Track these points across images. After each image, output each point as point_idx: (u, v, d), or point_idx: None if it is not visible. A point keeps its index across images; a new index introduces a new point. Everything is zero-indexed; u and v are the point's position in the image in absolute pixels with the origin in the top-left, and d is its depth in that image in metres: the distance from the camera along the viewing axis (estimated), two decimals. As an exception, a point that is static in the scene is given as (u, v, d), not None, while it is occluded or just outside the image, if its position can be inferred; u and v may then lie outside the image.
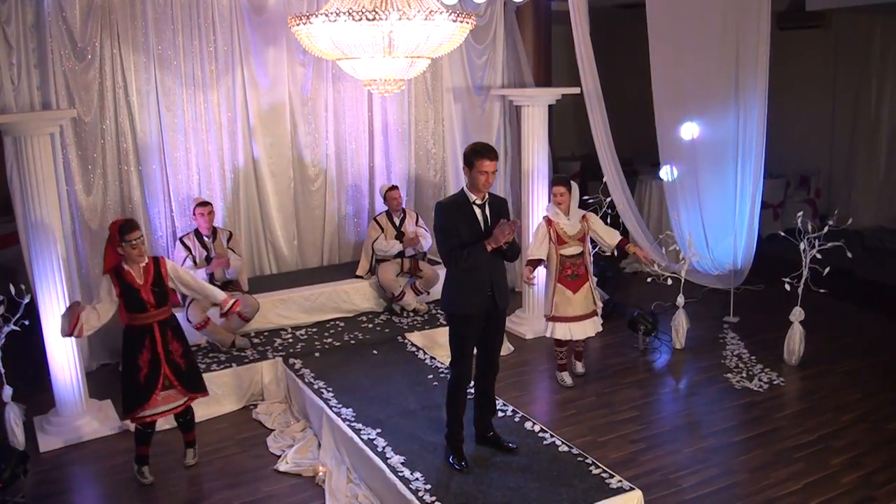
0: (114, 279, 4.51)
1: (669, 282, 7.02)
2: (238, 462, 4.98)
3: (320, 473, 4.70)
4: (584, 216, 5.83)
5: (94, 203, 6.29)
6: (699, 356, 6.55)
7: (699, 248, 7.16)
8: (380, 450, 4.49)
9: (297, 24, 4.34)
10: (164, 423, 5.09)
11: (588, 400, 5.75)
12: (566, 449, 4.48)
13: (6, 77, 5.62)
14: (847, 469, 4.69)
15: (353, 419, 4.89)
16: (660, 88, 7.18)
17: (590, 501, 3.95)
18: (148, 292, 4.52)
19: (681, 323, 6.71)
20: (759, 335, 6.93)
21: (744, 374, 6.10)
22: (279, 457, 4.98)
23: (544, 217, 5.86)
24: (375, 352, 6.09)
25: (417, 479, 4.18)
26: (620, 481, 4.11)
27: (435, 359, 5.91)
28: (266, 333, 6.45)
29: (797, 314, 6.21)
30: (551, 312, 5.86)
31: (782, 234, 6.61)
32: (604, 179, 7.31)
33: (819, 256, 6.06)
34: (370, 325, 6.67)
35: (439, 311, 6.84)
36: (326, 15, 4.13)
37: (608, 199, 7.40)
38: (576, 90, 7.07)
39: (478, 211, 4.21)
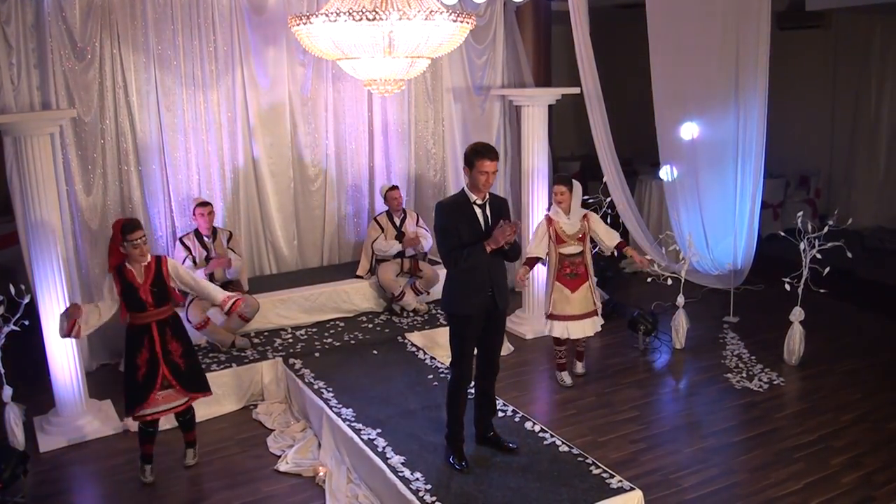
0: (116, 278, 4.53)
1: (669, 282, 7.02)
2: (238, 462, 4.98)
3: (320, 474, 4.70)
4: (585, 216, 5.84)
5: (94, 203, 6.29)
6: (699, 356, 6.55)
7: (699, 248, 7.16)
8: (380, 450, 4.49)
9: (297, 24, 4.34)
10: (165, 423, 5.08)
11: (588, 400, 5.75)
12: (566, 449, 4.48)
13: (6, 77, 5.62)
14: (847, 469, 4.70)
15: (353, 419, 4.89)
16: (660, 88, 7.18)
17: (590, 501, 3.95)
18: (146, 292, 4.53)
19: (681, 323, 6.71)
20: (759, 335, 6.93)
21: (744, 374, 6.10)
22: (279, 457, 4.98)
23: (546, 215, 5.87)
24: (375, 352, 6.09)
25: (418, 479, 4.18)
26: (621, 481, 4.11)
27: (435, 359, 5.91)
28: (266, 333, 6.45)
29: (797, 314, 6.21)
30: (550, 310, 5.87)
31: (782, 234, 6.62)
32: (604, 179, 7.31)
33: (819, 256, 6.06)
34: (370, 325, 6.67)
35: (439, 311, 6.84)
36: (326, 15, 4.13)
37: (608, 199, 7.41)
38: (576, 90, 7.07)
39: (478, 211, 4.21)
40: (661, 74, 7.13)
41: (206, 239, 6.23)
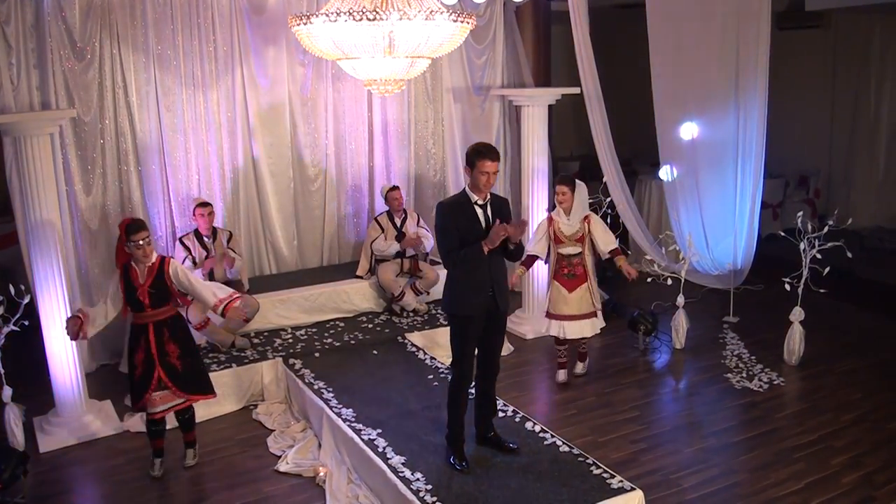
0: (121, 276, 4.58)
1: (669, 282, 7.02)
2: (238, 462, 4.98)
3: (321, 474, 4.70)
4: (586, 217, 5.83)
5: (94, 203, 6.28)
6: (699, 356, 6.55)
7: (699, 248, 7.16)
8: (380, 450, 4.49)
9: (298, 24, 4.34)
10: (166, 423, 5.08)
11: (588, 400, 5.75)
12: (567, 449, 4.48)
13: (6, 77, 5.61)
14: (847, 469, 4.70)
15: (353, 419, 4.89)
16: (660, 88, 7.18)
17: (591, 502, 3.95)
18: (144, 293, 4.55)
19: (681, 323, 6.71)
20: (759, 335, 6.93)
21: (744, 374, 6.10)
22: (279, 457, 4.98)
23: (547, 214, 5.88)
24: (375, 352, 6.09)
25: (418, 479, 4.18)
26: (621, 481, 4.11)
27: (435, 359, 5.91)
28: (266, 334, 6.44)
29: (797, 314, 6.21)
30: (548, 309, 5.89)
31: (782, 234, 6.62)
32: (604, 179, 7.31)
33: (819, 256, 6.06)
34: (370, 326, 6.67)
35: (439, 311, 6.84)
36: (327, 15, 4.13)
37: (608, 199, 7.40)
38: (576, 90, 7.07)
39: (479, 211, 4.21)
40: (661, 74, 7.13)
41: (205, 239, 6.22)
